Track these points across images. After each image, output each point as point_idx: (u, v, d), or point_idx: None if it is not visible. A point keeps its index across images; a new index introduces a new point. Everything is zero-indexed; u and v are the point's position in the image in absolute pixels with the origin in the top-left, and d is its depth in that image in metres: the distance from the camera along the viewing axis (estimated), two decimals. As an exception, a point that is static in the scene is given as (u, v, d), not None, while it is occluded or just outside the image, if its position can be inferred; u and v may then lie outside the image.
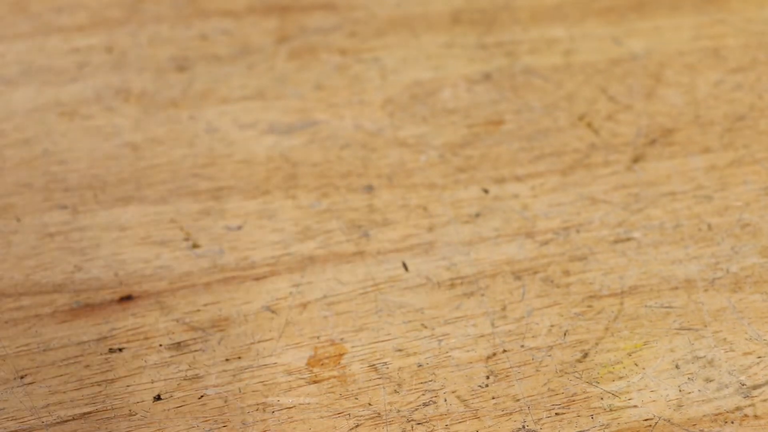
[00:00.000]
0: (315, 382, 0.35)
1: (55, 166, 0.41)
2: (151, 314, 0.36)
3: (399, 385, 0.35)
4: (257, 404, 0.34)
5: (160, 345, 0.35)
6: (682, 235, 0.39)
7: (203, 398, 0.34)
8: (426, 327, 0.36)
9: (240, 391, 0.34)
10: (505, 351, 0.35)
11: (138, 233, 0.39)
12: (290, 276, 0.37)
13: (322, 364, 0.35)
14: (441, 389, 0.34)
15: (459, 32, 0.47)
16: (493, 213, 0.39)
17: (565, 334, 0.36)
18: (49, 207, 0.40)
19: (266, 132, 0.42)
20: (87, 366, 0.35)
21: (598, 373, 0.35)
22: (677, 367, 0.35)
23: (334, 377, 0.35)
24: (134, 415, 0.34)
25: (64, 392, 0.34)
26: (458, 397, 0.34)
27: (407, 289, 0.37)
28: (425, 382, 0.35)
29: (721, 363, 0.35)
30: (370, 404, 0.34)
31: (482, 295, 0.37)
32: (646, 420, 0.34)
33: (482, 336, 0.36)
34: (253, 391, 0.34)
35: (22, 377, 0.35)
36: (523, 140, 0.42)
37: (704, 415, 0.34)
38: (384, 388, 0.35)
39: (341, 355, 0.35)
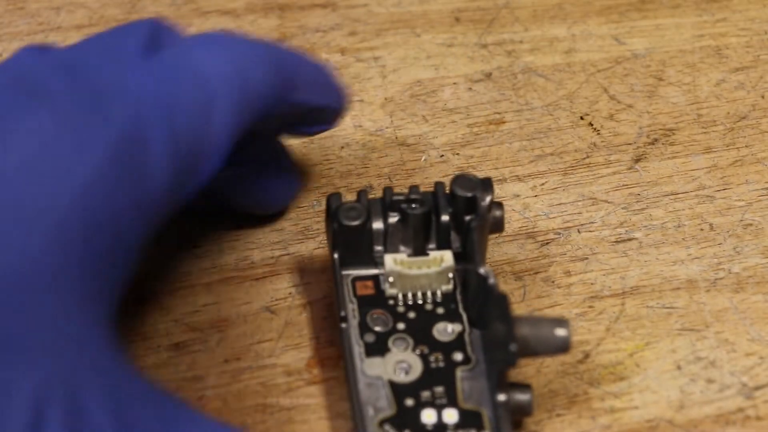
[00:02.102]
0: (314, 383, 0.35)
1: (53, 166, 0.41)
2: (150, 314, 0.36)
3: (399, 386, 0.35)
4: (257, 405, 0.34)
5: (159, 346, 0.35)
6: (683, 236, 0.39)
7: (202, 399, 0.34)
8: (426, 328, 0.36)
9: (239, 393, 0.34)
10: (505, 352, 0.35)
11: (137, 233, 0.39)
12: (290, 276, 0.37)
13: (322, 365, 0.35)
14: (441, 390, 0.34)
15: (459, 31, 0.46)
16: (494, 213, 0.39)
17: (566, 335, 0.36)
18: (47, 207, 0.39)
19: (266, 131, 0.42)
20: (85, 367, 0.35)
21: (600, 374, 0.35)
22: (679, 368, 0.35)
23: (334, 378, 0.35)
24: (133, 416, 0.34)
25: (63, 393, 0.34)
26: (459, 398, 0.34)
27: (407, 289, 0.37)
28: (425, 383, 0.35)
29: (723, 364, 0.35)
30: (370, 405, 0.34)
31: (483, 295, 0.37)
32: (647, 421, 0.34)
33: (483, 337, 0.36)
34: (253, 392, 0.34)
35: (20, 378, 0.35)
36: (523, 140, 0.42)
37: (706, 416, 0.34)
38: (384, 389, 0.34)
39: (341, 356, 0.35)
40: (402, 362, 0.32)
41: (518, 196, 0.40)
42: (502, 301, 0.31)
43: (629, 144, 0.42)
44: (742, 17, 0.47)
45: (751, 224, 0.39)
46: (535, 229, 0.39)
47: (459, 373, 0.32)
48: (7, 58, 0.30)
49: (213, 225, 0.39)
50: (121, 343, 0.28)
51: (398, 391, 0.32)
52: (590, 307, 0.37)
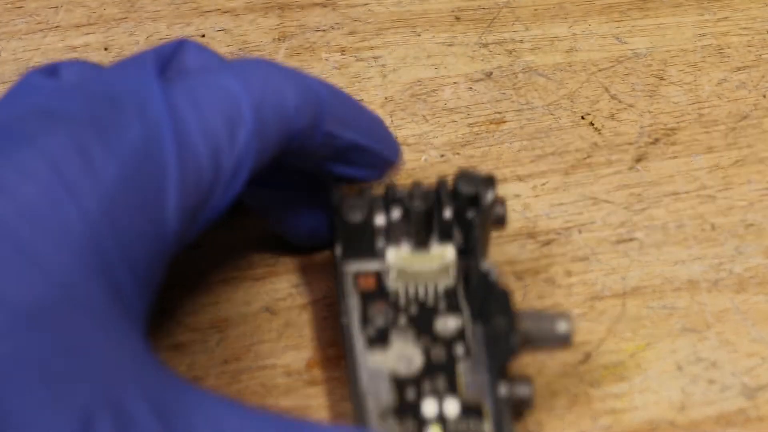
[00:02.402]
0: (314, 383, 0.34)
1: (52, 166, 0.41)
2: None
3: (399, 386, 0.34)
4: (257, 405, 0.34)
5: (159, 346, 0.35)
6: (685, 236, 0.39)
7: (202, 400, 0.34)
8: (427, 328, 0.36)
9: (239, 393, 0.34)
10: (506, 352, 0.35)
11: (136, 233, 0.38)
12: (290, 276, 0.37)
13: (322, 366, 0.35)
14: (442, 391, 0.34)
15: (460, 30, 0.46)
16: (495, 213, 0.39)
17: (567, 336, 0.36)
18: (46, 206, 0.39)
19: (265, 131, 0.42)
20: (84, 367, 0.35)
21: (600, 375, 0.35)
22: (680, 368, 0.35)
23: (334, 379, 0.35)
24: (132, 417, 0.34)
25: (61, 394, 0.34)
26: (459, 398, 0.34)
27: (408, 289, 0.37)
28: (426, 384, 0.34)
29: (724, 364, 0.35)
30: (370, 406, 0.34)
31: (483, 295, 0.37)
32: (648, 422, 0.34)
33: (483, 337, 0.35)
34: (253, 393, 0.34)
35: (18, 379, 0.34)
36: (524, 139, 0.42)
37: (707, 417, 0.34)
38: (384, 389, 0.34)
39: (341, 356, 0.35)
40: (404, 355, 0.33)
41: (519, 196, 0.40)
42: (503, 295, 0.31)
43: (630, 144, 0.42)
44: (744, 16, 0.47)
45: (752, 224, 0.39)
46: (536, 229, 0.39)
47: (460, 366, 0.32)
48: (18, 81, 0.31)
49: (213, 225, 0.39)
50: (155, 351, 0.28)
51: (400, 383, 0.32)
52: (591, 307, 0.37)
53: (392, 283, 0.34)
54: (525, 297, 0.37)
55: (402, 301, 0.34)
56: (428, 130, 0.42)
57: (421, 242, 0.35)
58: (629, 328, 0.36)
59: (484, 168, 0.41)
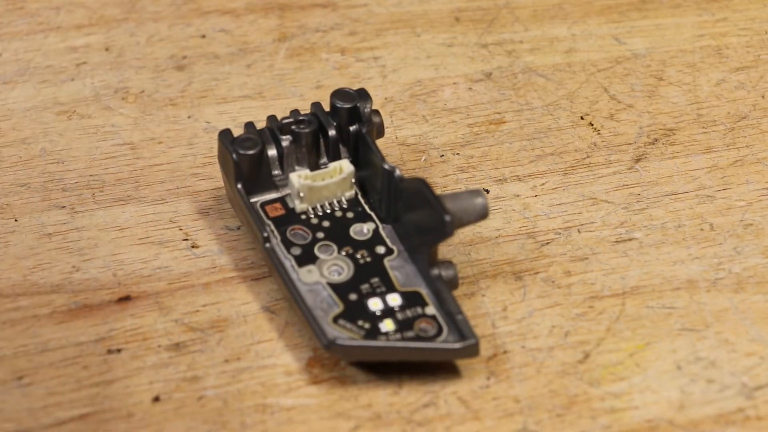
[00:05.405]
0: (314, 383, 0.34)
1: (53, 166, 0.41)
2: (149, 315, 0.36)
3: (399, 385, 0.35)
4: (256, 405, 0.34)
5: (159, 346, 0.35)
6: (684, 236, 0.39)
7: (202, 399, 0.34)
8: (426, 328, 0.36)
9: (239, 392, 0.34)
10: (506, 352, 0.35)
11: (137, 233, 0.39)
12: (290, 276, 0.37)
13: (322, 365, 0.35)
14: (441, 390, 0.34)
15: (459, 31, 0.46)
16: (494, 213, 0.39)
17: (566, 335, 0.36)
18: (47, 207, 0.39)
19: (266, 131, 0.42)
20: (85, 367, 0.35)
21: (600, 374, 0.35)
22: (679, 368, 0.35)
23: (334, 378, 0.35)
24: (132, 416, 0.34)
25: (62, 393, 0.34)
26: (459, 398, 0.34)
27: (407, 289, 0.37)
28: (426, 383, 0.34)
29: (723, 364, 0.35)
30: (370, 405, 0.34)
31: (483, 295, 0.37)
32: (647, 421, 0.34)
33: (483, 336, 0.35)
34: (253, 392, 0.34)
35: (19, 378, 0.35)
36: (524, 140, 0.42)
37: (706, 417, 0.34)
38: (384, 388, 0.34)
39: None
40: (333, 265, 0.35)
41: (518, 196, 0.40)
42: (421, 183, 0.34)
43: (629, 144, 0.42)
44: (743, 17, 0.47)
45: (751, 224, 0.39)
46: (536, 229, 0.39)
47: (387, 263, 0.35)
48: None
49: (212, 225, 0.39)
50: None
51: (339, 289, 0.35)
52: (590, 307, 0.37)
53: (300, 205, 0.37)
54: (525, 297, 0.37)
55: (313, 219, 0.36)
56: (428, 130, 0.42)
57: (313, 163, 0.37)
58: (628, 327, 0.36)
59: (483, 168, 0.41)
